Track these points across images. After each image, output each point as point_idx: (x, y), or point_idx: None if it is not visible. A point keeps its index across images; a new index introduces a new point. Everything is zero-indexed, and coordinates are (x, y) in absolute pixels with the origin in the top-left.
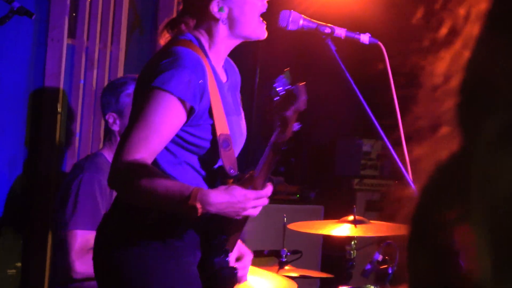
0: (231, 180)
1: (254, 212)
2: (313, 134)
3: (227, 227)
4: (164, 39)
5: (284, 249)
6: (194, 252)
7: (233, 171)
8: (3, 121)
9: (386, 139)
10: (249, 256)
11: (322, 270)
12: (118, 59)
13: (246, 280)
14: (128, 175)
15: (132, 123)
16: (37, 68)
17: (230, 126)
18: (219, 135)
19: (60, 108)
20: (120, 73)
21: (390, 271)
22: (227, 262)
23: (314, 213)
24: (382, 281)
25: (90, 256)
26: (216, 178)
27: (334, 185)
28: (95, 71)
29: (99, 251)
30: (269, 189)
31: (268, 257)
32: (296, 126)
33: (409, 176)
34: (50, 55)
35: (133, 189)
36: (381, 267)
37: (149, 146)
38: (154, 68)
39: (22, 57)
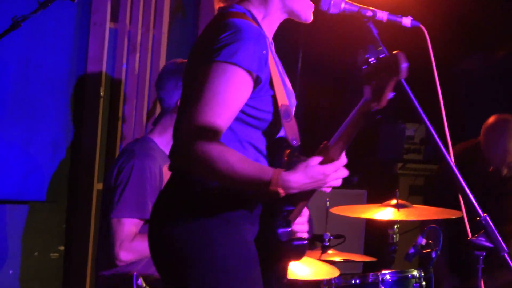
0: (291, 151)
1: (336, 183)
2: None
3: (294, 198)
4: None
5: (327, 233)
6: (252, 227)
7: (295, 142)
8: (46, 104)
9: (428, 123)
10: (306, 213)
11: (365, 254)
12: (161, 42)
13: (307, 237)
14: (201, 150)
15: (198, 99)
16: (79, 52)
17: (288, 96)
18: (280, 105)
19: (102, 92)
20: (163, 57)
21: (433, 255)
22: (293, 233)
23: (357, 198)
24: (426, 265)
25: (135, 244)
26: (277, 150)
27: (377, 170)
28: (137, 55)
29: (156, 227)
30: (344, 158)
31: (311, 241)
32: (391, 95)
33: (451, 160)
34: (92, 39)
35: (206, 165)
36: (424, 251)
37: (220, 120)
38: (214, 43)
39: (65, 40)
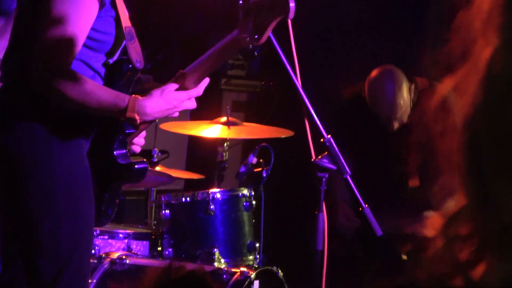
0: (132, 73)
1: (189, 106)
2: (184, 26)
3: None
4: None
5: (155, 149)
6: (85, 142)
7: (139, 64)
8: None
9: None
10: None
11: (187, 170)
12: None
13: (138, 151)
14: (55, 77)
15: (51, 21)
16: None
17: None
18: (125, 27)
19: None
20: None
21: (264, 174)
22: (128, 155)
23: (181, 113)
24: (256, 184)
25: None
26: (116, 71)
27: None
28: None
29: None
30: (201, 88)
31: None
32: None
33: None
34: None
35: (61, 92)
36: (255, 170)
37: (73, 41)
38: None
39: None
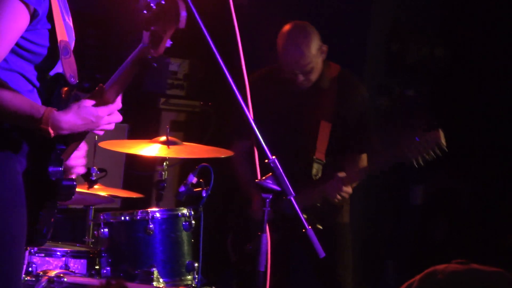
0: (69, 89)
1: (108, 127)
2: (123, 45)
3: (66, 138)
4: None
5: (94, 167)
6: (21, 161)
7: (73, 79)
8: None
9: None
10: (84, 147)
11: (124, 189)
12: None
13: (84, 171)
14: None
15: None
16: None
17: (68, 33)
18: (60, 41)
19: None
20: None
21: (204, 194)
22: (62, 173)
23: (119, 132)
24: (196, 203)
25: None
26: (54, 86)
27: (140, 104)
28: None
29: None
30: (119, 103)
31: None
32: (168, 43)
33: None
34: None
35: None
36: (195, 190)
37: None
38: None
39: None
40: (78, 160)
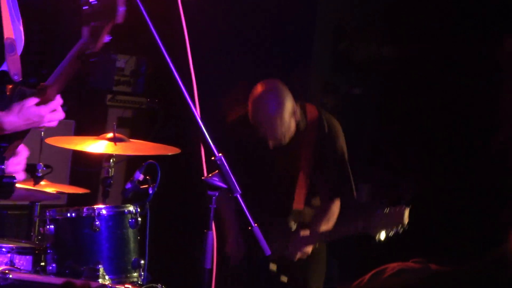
0: (13, 87)
1: (51, 125)
2: (69, 41)
3: (8, 136)
4: None
5: (40, 163)
6: None
7: (17, 77)
8: None
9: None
10: (24, 152)
11: (71, 185)
12: None
13: (24, 177)
14: None
15: None
16: None
17: (15, 31)
18: (6, 38)
19: None
20: None
21: (150, 191)
22: (3, 170)
23: (65, 128)
24: (143, 200)
25: None
26: (1, 83)
27: (86, 100)
28: None
29: None
30: (59, 99)
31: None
32: (107, 38)
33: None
34: None
35: None
36: (141, 187)
37: None
38: None
39: None
40: (17, 166)
